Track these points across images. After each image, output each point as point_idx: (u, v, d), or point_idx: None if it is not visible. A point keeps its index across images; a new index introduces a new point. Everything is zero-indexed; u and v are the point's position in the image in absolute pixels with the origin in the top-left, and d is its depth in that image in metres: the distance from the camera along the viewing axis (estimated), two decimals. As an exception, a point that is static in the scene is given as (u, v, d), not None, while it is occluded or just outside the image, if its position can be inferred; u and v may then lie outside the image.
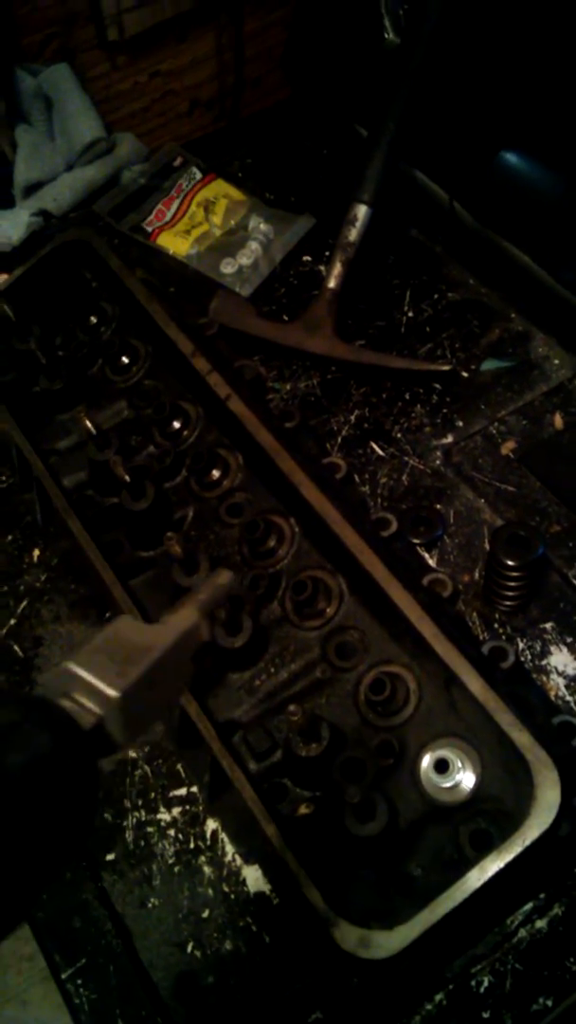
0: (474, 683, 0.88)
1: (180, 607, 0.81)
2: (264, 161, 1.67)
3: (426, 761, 0.93)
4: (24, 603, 1.20)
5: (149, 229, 1.55)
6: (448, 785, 0.91)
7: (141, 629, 0.75)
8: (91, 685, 0.66)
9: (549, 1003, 0.91)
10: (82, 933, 0.98)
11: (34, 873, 0.59)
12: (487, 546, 1.18)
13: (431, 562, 1.18)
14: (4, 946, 2.32)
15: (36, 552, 1.25)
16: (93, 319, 1.30)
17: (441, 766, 0.91)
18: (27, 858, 0.58)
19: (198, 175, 1.61)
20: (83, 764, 0.62)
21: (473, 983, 0.92)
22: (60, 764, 0.60)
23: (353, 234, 1.39)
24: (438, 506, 1.23)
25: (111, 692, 0.66)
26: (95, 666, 0.68)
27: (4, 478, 1.31)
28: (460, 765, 0.91)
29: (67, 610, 1.19)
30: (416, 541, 1.19)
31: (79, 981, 0.96)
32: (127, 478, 1.06)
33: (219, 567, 0.92)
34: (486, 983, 0.92)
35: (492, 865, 0.82)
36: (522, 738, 0.85)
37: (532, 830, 0.83)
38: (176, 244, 1.53)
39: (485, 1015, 0.91)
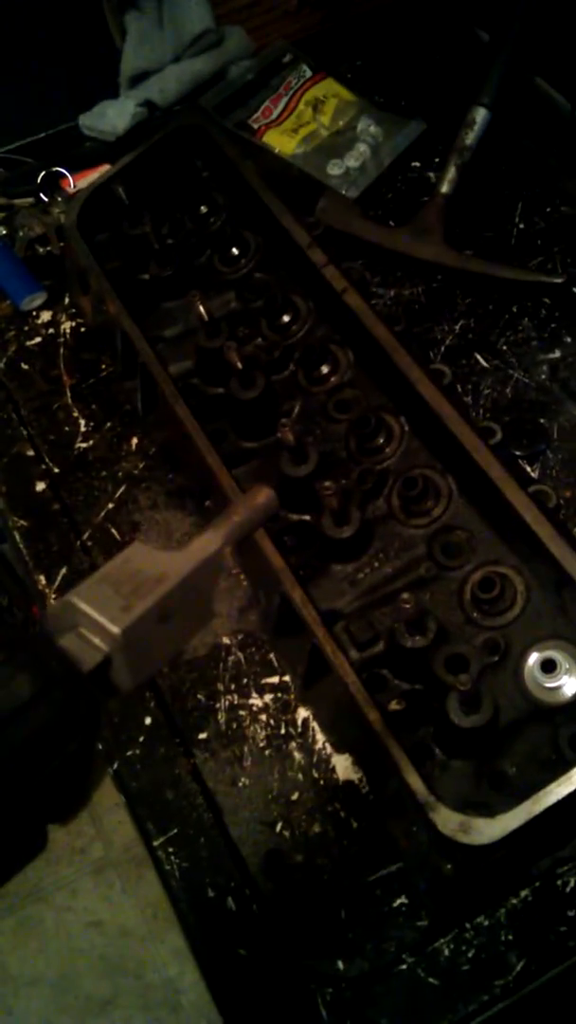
0: (590, 586, 0.87)
1: (206, 529, 0.73)
2: (375, 63, 1.62)
3: (532, 660, 0.92)
4: (122, 488, 1.21)
5: (255, 126, 1.52)
6: (552, 686, 0.91)
7: (155, 557, 0.68)
8: (93, 619, 0.61)
9: None
10: (174, 805, 1.00)
11: (14, 827, 0.56)
12: (591, 463, 1.16)
13: (533, 475, 1.17)
14: (58, 838, 2.41)
15: (134, 440, 1.25)
16: (203, 208, 1.27)
17: (548, 666, 0.91)
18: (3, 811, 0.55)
19: (308, 73, 1.57)
20: (73, 708, 0.58)
21: (559, 883, 0.93)
22: (43, 709, 0.56)
23: (470, 137, 1.35)
24: (542, 420, 1.21)
25: (112, 628, 0.61)
26: (98, 598, 0.62)
27: (104, 367, 1.31)
28: (567, 667, 0.91)
29: (164, 498, 1.20)
30: (518, 453, 1.17)
31: (170, 849, 0.98)
32: (239, 365, 1.06)
33: (258, 484, 0.79)
34: (572, 884, 0.93)
35: (599, 764, 0.82)
36: None
37: None
38: (283, 143, 1.50)
39: (570, 913, 0.92)
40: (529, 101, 1.48)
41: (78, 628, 0.62)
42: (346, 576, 1.02)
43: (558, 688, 0.91)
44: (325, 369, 1.13)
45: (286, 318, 1.16)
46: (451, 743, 0.91)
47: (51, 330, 1.36)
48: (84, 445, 1.25)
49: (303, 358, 1.13)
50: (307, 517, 1.05)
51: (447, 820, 0.83)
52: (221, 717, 1.05)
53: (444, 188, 1.35)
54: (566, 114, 1.42)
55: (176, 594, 0.66)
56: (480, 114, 1.35)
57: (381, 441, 1.06)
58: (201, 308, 1.10)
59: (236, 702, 1.06)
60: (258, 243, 1.23)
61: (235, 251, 1.23)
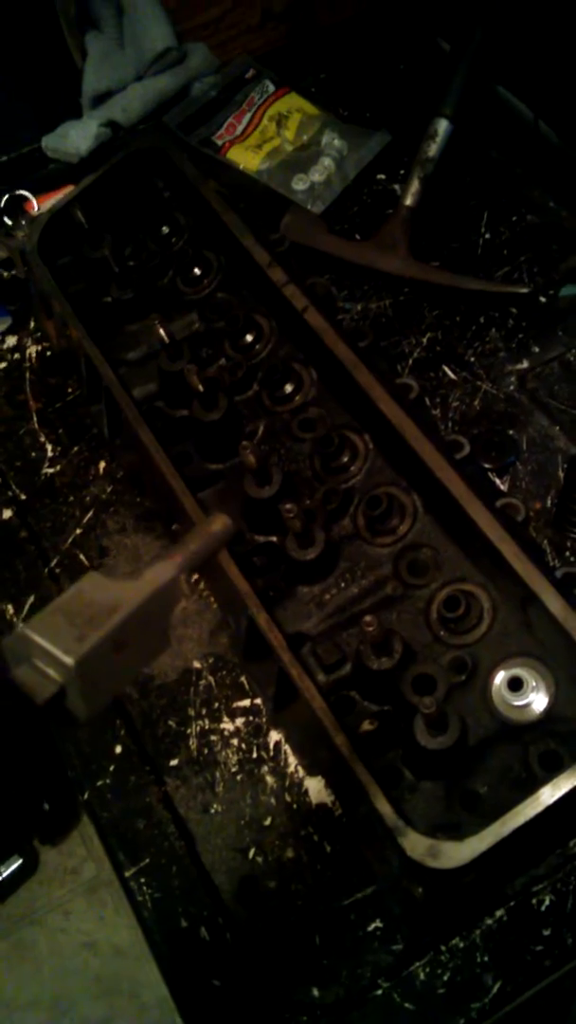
0: (554, 603, 0.87)
1: (160, 559, 0.74)
2: (339, 76, 1.62)
3: (499, 679, 0.92)
4: (90, 514, 1.20)
5: (219, 143, 1.51)
6: (520, 704, 0.90)
7: (109, 587, 0.68)
8: (47, 651, 0.62)
9: (610, 924, 0.91)
10: (145, 834, 1.00)
11: None
12: (561, 474, 1.15)
13: (502, 488, 1.16)
14: (50, 859, 2.40)
15: (102, 464, 1.24)
16: (165, 229, 1.27)
17: (514, 684, 0.90)
18: None
19: (271, 88, 1.56)
20: (24, 739, 0.58)
21: (534, 901, 0.93)
22: None
23: (433, 149, 1.35)
24: (511, 432, 1.20)
25: (66, 659, 0.61)
26: (52, 630, 0.63)
27: (71, 390, 1.30)
28: (534, 684, 0.90)
29: (132, 522, 1.19)
30: (487, 466, 1.17)
31: (142, 879, 0.97)
32: (200, 388, 1.05)
33: (215, 512, 0.80)
34: (547, 902, 0.92)
35: (566, 783, 0.81)
36: (601, 659, 0.84)
37: (607, 750, 0.82)
38: (247, 159, 1.49)
39: (546, 932, 0.91)
40: (493, 111, 1.48)
41: (32, 660, 0.62)
42: (313, 598, 1.01)
43: (526, 706, 0.91)
44: (289, 388, 1.12)
45: (249, 338, 1.16)
46: (420, 765, 0.91)
47: (16, 355, 1.36)
48: (51, 470, 1.24)
49: (266, 378, 1.12)
50: (274, 538, 1.05)
51: (415, 845, 0.82)
52: (192, 743, 1.04)
53: (408, 201, 1.34)
54: (530, 123, 1.42)
55: (130, 623, 0.67)
56: (442, 125, 1.35)
57: (346, 460, 1.06)
58: (162, 331, 1.10)
59: (207, 727, 1.05)
60: (220, 263, 1.23)
61: (197, 271, 1.23)
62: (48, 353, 1.35)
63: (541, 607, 0.87)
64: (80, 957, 2.30)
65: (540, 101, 1.40)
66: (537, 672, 0.91)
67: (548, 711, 0.90)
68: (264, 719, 1.04)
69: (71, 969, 2.29)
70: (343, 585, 1.01)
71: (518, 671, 0.91)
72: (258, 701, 1.05)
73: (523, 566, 0.88)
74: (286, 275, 1.10)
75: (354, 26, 1.68)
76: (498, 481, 1.17)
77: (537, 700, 0.91)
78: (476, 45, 1.35)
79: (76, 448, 1.26)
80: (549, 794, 0.81)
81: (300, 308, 1.07)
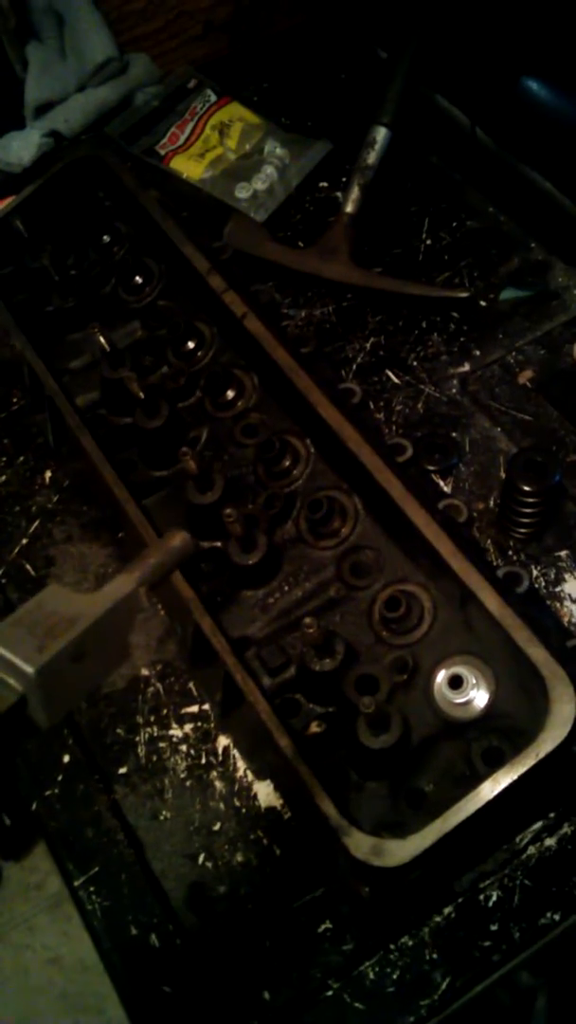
0: (491, 600, 0.88)
1: (121, 572, 0.77)
2: (280, 85, 1.63)
3: (440, 678, 0.93)
4: (36, 523, 1.20)
5: (162, 152, 1.52)
6: (461, 701, 0.91)
7: (70, 598, 0.71)
8: (8, 660, 0.63)
9: (556, 917, 0.92)
10: (95, 843, 0.99)
11: None
12: (502, 474, 1.17)
13: (446, 489, 1.17)
14: (12, 875, 2.37)
15: (48, 474, 1.24)
16: (106, 238, 1.27)
17: (455, 682, 0.91)
18: None
19: (213, 98, 1.57)
20: None
21: (482, 897, 0.93)
22: None
23: (372, 157, 1.36)
24: (453, 434, 1.21)
25: (27, 668, 0.63)
26: (12, 640, 0.64)
27: (15, 399, 1.30)
28: (474, 682, 0.91)
29: (79, 531, 1.19)
30: (431, 468, 1.18)
31: (91, 888, 0.97)
32: (141, 395, 1.05)
33: (173, 528, 0.83)
34: (494, 897, 0.93)
35: (505, 777, 0.82)
36: (538, 654, 0.85)
37: (546, 744, 0.83)
38: (190, 168, 1.50)
39: (493, 928, 0.92)
40: (432, 118, 1.50)
41: None
42: (257, 602, 1.01)
43: (467, 703, 0.92)
44: (231, 394, 1.13)
45: (191, 344, 1.17)
46: (365, 764, 0.91)
47: (-39, 365, 1.35)
48: (-4, 481, 1.24)
49: (208, 384, 1.13)
50: (218, 544, 1.05)
51: (359, 844, 0.83)
52: (141, 750, 1.04)
53: (349, 208, 1.36)
54: (467, 130, 1.44)
55: (90, 634, 0.69)
56: (380, 133, 1.36)
57: (288, 464, 1.07)
58: (102, 339, 1.10)
59: (156, 734, 1.05)
60: (161, 271, 1.23)
61: (139, 279, 1.23)
62: (-8, 364, 1.35)
63: (479, 605, 0.88)
64: (45, 974, 2.28)
65: (477, 109, 1.43)
66: (477, 670, 0.92)
67: (489, 708, 0.91)
68: (212, 725, 1.05)
69: (36, 986, 2.26)
70: (287, 588, 1.02)
71: (458, 669, 0.92)
72: (206, 707, 1.06)
73: (460, 564, 0.90)
74: (225, 282, 1.11)
75: (295, 36, 1.70)
76: (442, 483, 1.18)
77: (478, 697, 0.92)
78: (411, 55, 1.37)
79: (22, 458, 1.25)
80: (489, 789, 0.82)
81: (239, 315, 1.08)
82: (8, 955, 2.29)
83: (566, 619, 1.08)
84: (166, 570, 0.79)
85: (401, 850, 0.82)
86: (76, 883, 0.97)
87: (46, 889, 2.35)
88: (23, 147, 1.50)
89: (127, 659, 0.77)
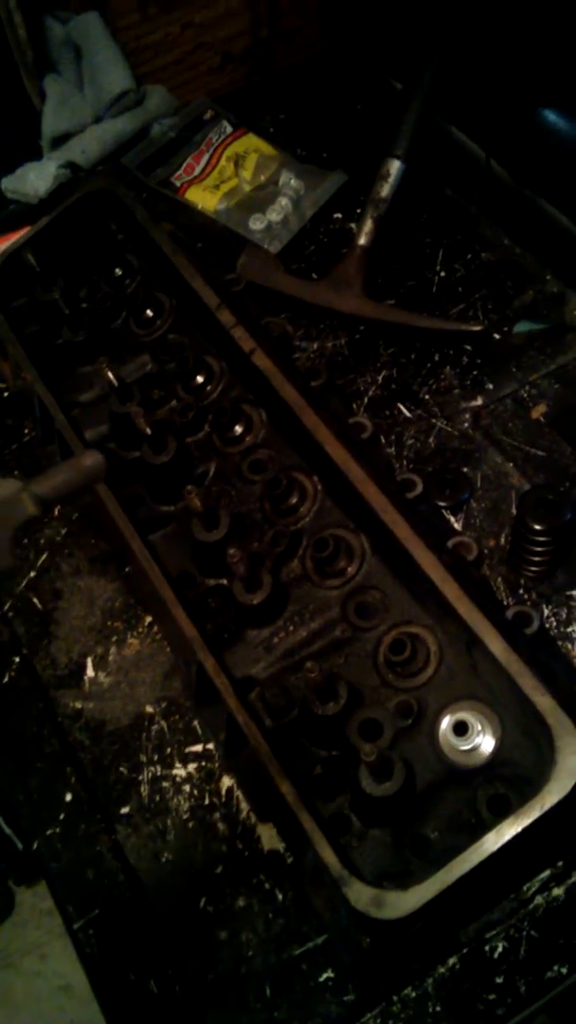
0: (496, 645, 0.86)
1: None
2: (296, 116, 1.63)
3: (445, 723, 0.91)
4: (44, 556, 1.19)
5: (178, 183, 1.52)
6: (467, 748, 0.90)
7: None
8: None
9: (564, 971, 0.90)
10: (95, 885, 0.98)
11: None
12: (514, 511, 1.15)
13: (456, 525, 1.16)
14: (25, 901, 2.36)
15: (57, 507, 1.24)
16: (118, 271, 1.27)
17: (460, 728, 0.90)
18: None
19: (228, 129, 1.58)
20: None
21: (487, 948, 0.91)
22: None
23: (385, 190, 1.36)
24: (465, 469, 1.20)
25: None
26: None
27: (27, 431, 1.30)
28: (480, 728, 0.89)
29: (87, 564, 1.18)
30: (442, 504, 1.17)
31: (91, 931, 0.96)
32: (148, 431, 1.05)
33: (90, 448, 0.85)
34: (500, 949, 0.91)
35: (509, 829, 0.81)
36: (544, 702, 0.84)
37: (551, 795, 0.81)
38: (205, 199, 1.50)
39: (499, 980, 0.90)
40: (447, 151, 1.50)
41: None
42: (261, 641, 1.00)
43: (473, 750, 0.90)
44: (239, 430, 1.12)
45: (200, 379, 1.16)
46: (368, 811, 0.90)
47: (-27, 396, 1.36)
48: (6, 513, 1.24)
49: (216, 419, 1.12)
50: (224, 581, 1.04)
51: (360, 895, 0.81)
52: (144, 789, 1.03)
53: (362, 240, 1.35)
54: (483, 163, 1.44)
55: None
56: (394, 166, 1.36)
57: (295, 501, 1.06)
58: (110, 374, 1.10)
59: (159, 773, 1.04)
60: (172, 304, 1.23)
61: (149, 313, 1.23)
62: (5, 395, 1.35)
63: (484, 650, 0.87)
64: (56, 1001, 2.26)
65: (492, 141, 1.42)
66: (483, 715, 0.90)
67: (495, 755, 0.89)
68: (216, 764, 1.03)
69: (47, 1014, 2.25)
70: (292, 628, 1.00)
71: (464, 715, 0.90)
72: (211, 746, 1.04)
73: (465, 608, 0.88)
74: (235, 317, 1.11)
75: (311, 67, 1.70)
76: (452, 519, 1.17)
77: (484, 743, 0.90)
78: (426, 88, 1.37)
79: (31, 490, 1.25)
80: (493, 840, 0.81)
81: (248, 350, 1.07)
82: (20, 982, 2.28)
83: (577, 661, 1.06)
84: (72, 487, 0.80)
85: (402, 902, 0.80)
86: (76, 925, 0.96)
87: (58, 916, 2.33)
88: (39, 178, 1.51)
89: (8, 564, 0.79)
